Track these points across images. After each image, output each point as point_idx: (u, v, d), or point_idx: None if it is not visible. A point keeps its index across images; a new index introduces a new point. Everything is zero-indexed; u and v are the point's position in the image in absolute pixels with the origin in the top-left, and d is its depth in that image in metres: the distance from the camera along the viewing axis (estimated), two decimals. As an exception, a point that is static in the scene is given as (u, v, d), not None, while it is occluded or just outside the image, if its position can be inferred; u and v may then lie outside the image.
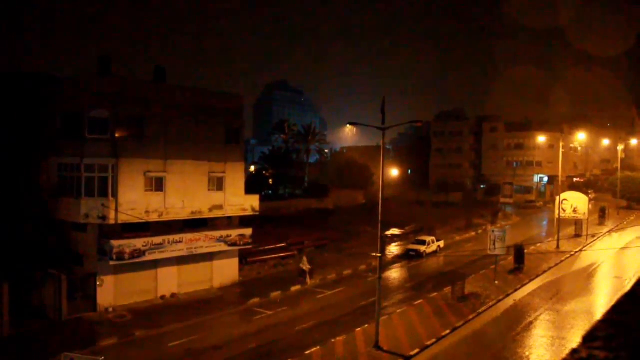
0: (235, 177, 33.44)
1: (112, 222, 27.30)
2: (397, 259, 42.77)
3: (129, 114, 28.54)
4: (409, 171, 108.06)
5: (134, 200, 28.14)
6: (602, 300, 31.50)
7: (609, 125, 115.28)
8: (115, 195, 27.61)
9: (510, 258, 38.44)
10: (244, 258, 36.75)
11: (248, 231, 33.53)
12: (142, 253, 28.17)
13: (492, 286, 32.90)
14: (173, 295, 30.74)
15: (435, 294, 31.46)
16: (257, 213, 34.79)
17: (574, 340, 23.93)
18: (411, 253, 42.98)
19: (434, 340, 23.81)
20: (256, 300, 30.61)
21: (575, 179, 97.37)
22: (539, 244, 47.85)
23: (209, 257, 32.33)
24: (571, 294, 32.13)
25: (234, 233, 32.83)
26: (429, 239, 44.74)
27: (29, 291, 27.42)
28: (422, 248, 43.20)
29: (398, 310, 28.29)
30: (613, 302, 29.85)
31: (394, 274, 38.17)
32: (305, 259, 34.89)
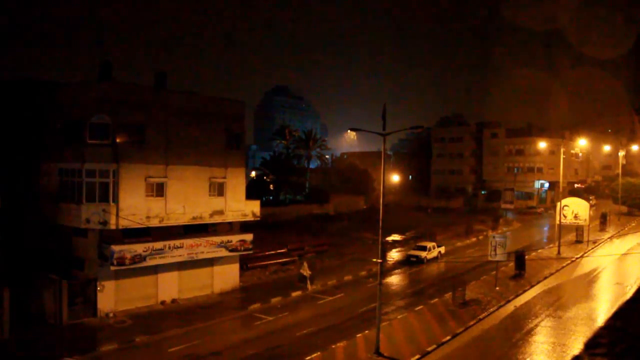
0: (236, 182, 33.47)
1: (112, 227, 27.32)
2: (398, 264, 42.73)
3: (130, 119, 28.59)
4: (410, 177, 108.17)
5: (134, 205, 28.16)
6: (603, 306, 31.42)
7: (610, 131, 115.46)
8: (116, 200, 27.63)
9: (511, 264, 38.41)
10: (245, 263, 36.75)
11: (249, 237, 33.53)
12: (142, 258, 28.16)
13: (492, 292, 32.85)
14: (173, 300, 30.70)
15: (436, 300, 31.43)
16: (258, 218, 34.80)
17: (575, 346, 23.90)
18: (412, 259, 42.95)
19: (434, 346, 23.75)
20: (256, 305, 30.57)
21: (576, 185, 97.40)
22: (539, 250, 47.80)
23: (210, 262, 32.30)
24: (572, 300, 32.06)
25: (235, 238, 32.82)
26: (429, 244, 44.72)
27: (29, 296, 27.37)
28: (423, 254, 43.16)
29: (399, 316, 28.25)
30: (614, 309, 29.86)
31: (395, 279, 38.13)
32: (305, 264, 34.86)
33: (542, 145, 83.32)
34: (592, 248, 49.30)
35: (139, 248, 28.05)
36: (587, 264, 42.70)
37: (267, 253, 40.00)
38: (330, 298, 32.58)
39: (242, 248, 33.23)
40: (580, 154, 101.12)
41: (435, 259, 44.07)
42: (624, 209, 74.29)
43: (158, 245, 28.83)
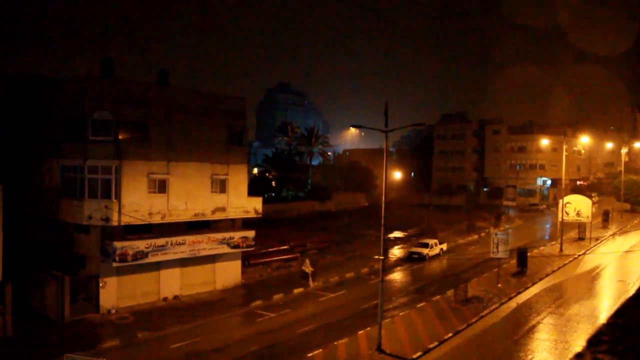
0: (238, 179, 33.45)
1: (115, 223, 27.32)
2: (400, 261, 42.70)
3: (132, 116, 28.59)
4: (412, 174, 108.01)
5: (137, 202, 28.17)
6: (605, 303, 31.40)
7: (612, 128, 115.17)
8: (118, 197, 27.65)
9: (513, 261, 38.37)
10: (247, 260, 36.76)
11: (251, 233, 33.53)
12: (144, 255, 28.18)
13: (494, 289, 32.82)
14: (175, 297, 30.74)
15: (437, 297, 31.40)
16: (260, 215, 34.78)
17: (577, 343, 23.87)
18: (414, 256, 42.92)
19: (436, 343, 23.75)
20: (259, 302, 30.59)
21: (578, 182, 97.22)
22: (542, 247, 47.74)
23: (212, 259, 32.33)
24: (574, 298, 32.03)
25: (237, 235, 32.82)
26: (431, 241, 44.68)
27: (32, 292, 27.44)
28: (425, 251, 43.12)
29: (401, 313, 28.24)
30: (616, 306, 29.77)
31: (397, 276, 38.11)
32: (307, 261, 34.84)
33: (545, 142, 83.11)
34: (595, 245, 49.19)
35: (141, 244, 28.06)
36: (590, 261, 42.63)
37: (269, 250, 40.02)
38: (332, 295, 32.58)
39: (244, 245, 33.24)
40: (582, 151, 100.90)
41: (437, 256, 44.05)
42: (627, 206, 74.15)
43: (160, 241, 28.85)
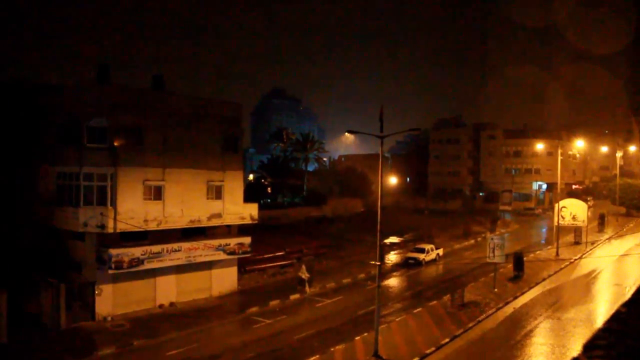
0: (234, 185, 33.40)
1: (110, 230, 27.22)
2: (396, 267, 42.68)
3: (127, 122, 28.53)
4: (408, 179, 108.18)
5: (132, 208, 28.08)
6: (602, 308, 31.43)
7: (607, 132, 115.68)
8: (114, 204, 27.56)
9: (510, 266, 38.38)
10: (243, 267, 36.63)
11: (247, 240, 33.45)
12: (140, 262, 28.08)
13: (491, 294, 32.82)
14: (172, 304, 30.61)
15: (434, 302, 31.37)
16: (256, 221, 34.71)
17: (574, 348, 23.88)
18: (410, 261, 42.90)
19: (433, 348, 23.71)
20: (255, 309, 30.50)
21: (574, 186, 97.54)
22: (538, 252, 47.79)
23: (208, 265, 32.23)
24: (571, 302, 32.06)
25: (233, 242, 32.75)
26: (428, 246, 44.65)
27: (27, 299, 27.28)
28: (421, 256, 43.11)
29: (397, 319, 28.20)
30: (613, 310, 29.83)
31: (393, 282, 38.09)
32: (304, 267, 34.79)
33: (540, 146, 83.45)
34: (591, 249, 49.29)
35: (137, 251, 27.96)
36: (586, 265, 42.71)
37: (265, 256, 39.88)
38: (329, 301, 32.52)
39: (240, 251, 33.15)
40: (577, 155, 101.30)
41: (433, 261, 44.03)
42: (622, 209, 74.32)
43: (156, 248, 28.75)
